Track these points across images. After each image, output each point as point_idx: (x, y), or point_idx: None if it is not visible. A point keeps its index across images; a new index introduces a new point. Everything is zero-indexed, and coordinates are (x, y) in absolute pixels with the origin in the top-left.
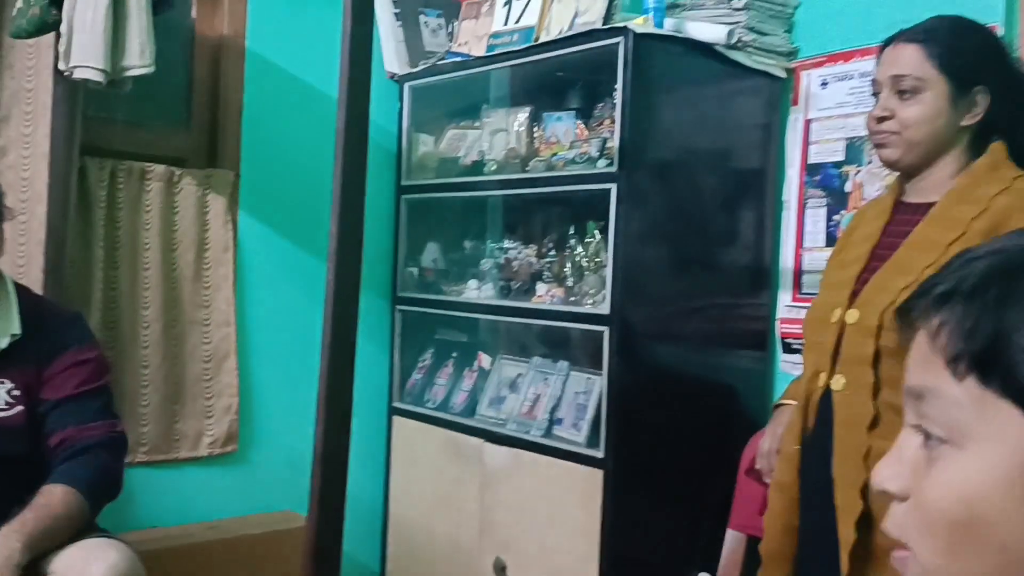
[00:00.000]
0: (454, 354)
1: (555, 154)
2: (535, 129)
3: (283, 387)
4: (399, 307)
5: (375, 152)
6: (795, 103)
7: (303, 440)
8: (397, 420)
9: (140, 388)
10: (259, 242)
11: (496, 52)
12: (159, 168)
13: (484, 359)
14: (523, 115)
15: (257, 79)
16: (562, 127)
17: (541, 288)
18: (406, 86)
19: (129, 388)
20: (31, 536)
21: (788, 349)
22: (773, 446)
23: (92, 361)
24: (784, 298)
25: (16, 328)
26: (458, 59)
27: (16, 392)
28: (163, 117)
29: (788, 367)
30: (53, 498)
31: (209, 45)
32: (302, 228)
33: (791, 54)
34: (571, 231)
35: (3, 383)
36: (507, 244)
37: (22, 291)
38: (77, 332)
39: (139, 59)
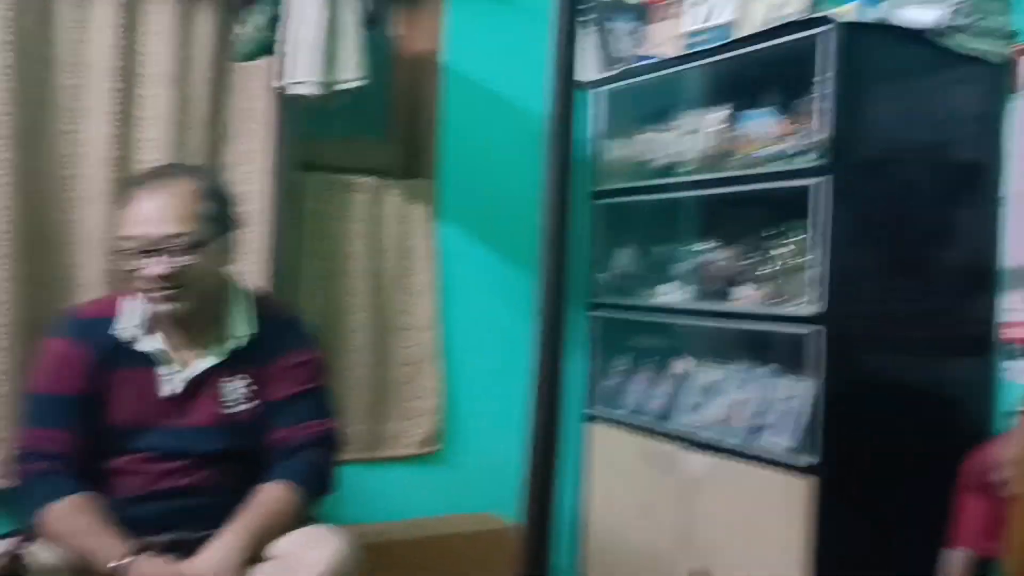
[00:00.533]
0: (650, 359)
1: (753, 152)
2: (731, 128)
3: (485, 390)
4: (593, 312)
5: None
6: (1017, 89)
7: (504, 443)
8: (592, 426)
9: (347, 390)
10: (458, 249)
11: (693, 51)
12: (365, 180)
13: (681, 364)
14: (719, 114)
15: (454, 92)
16: (760, 124)
17: (739, 290)
18: (597, 91)
19: (337, 390)
20: (250, 537)
21: (1017, 355)
22: (1016, 455)
23: (310, 363)
24: (1011, 300)
25: (255, 327)
26: (650, 61)
27: (254, 388)
28: (366, 131)
29: (1017, 375)
30: (269, 496)
31: (408, 60)
32: (499, 235)
33: (1011, 37)
34: (770, 231)
35: (244, 378)
36: (703, 246)
37: (251, 291)
38: (297, 334)
39: (353, 72)
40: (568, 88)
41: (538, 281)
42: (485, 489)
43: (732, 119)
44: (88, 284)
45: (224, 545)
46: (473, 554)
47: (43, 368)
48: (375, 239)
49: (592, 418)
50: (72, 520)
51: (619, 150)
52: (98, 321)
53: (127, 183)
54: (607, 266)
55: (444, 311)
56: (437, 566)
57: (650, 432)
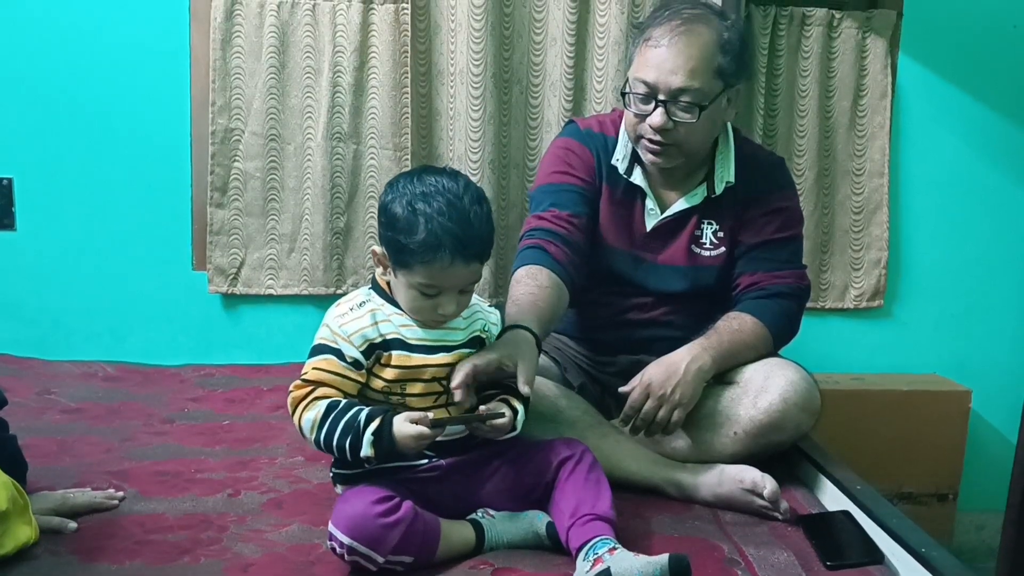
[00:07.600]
0: None
1: None
2: None
3: (935, 245)
4: None
5: None
6: None
7: (953, 302)
8: None
9: None
10: (920, 88)
11: None
12: (819, 12)
13: None
14: None
15: None
16: None
17: None
18: None
19: None
20: (721, 354)
21: None
22: None
23: (789, 209)
24: None
25: (731, 176)
26: None
27: (721, 234)
28: None
29: None
30: (744, 324)
31: None
32: (972, 73)
33: None
34: None
35: (711, 224)
36: None
37: (735, 134)
38: (778, 178)
39: None
40: None
41: None
42: (932, 347)
43: None
44: (549, 123)
45: (695, 349)
46: (918, 414)
47: (546, 163)
48: (827, 76)
49: None
50: (516, 286)
51: None
52: (598, 135)
53: (652, 15)
54: None
55: (897, 156)
56: (880, 422)
57: None
